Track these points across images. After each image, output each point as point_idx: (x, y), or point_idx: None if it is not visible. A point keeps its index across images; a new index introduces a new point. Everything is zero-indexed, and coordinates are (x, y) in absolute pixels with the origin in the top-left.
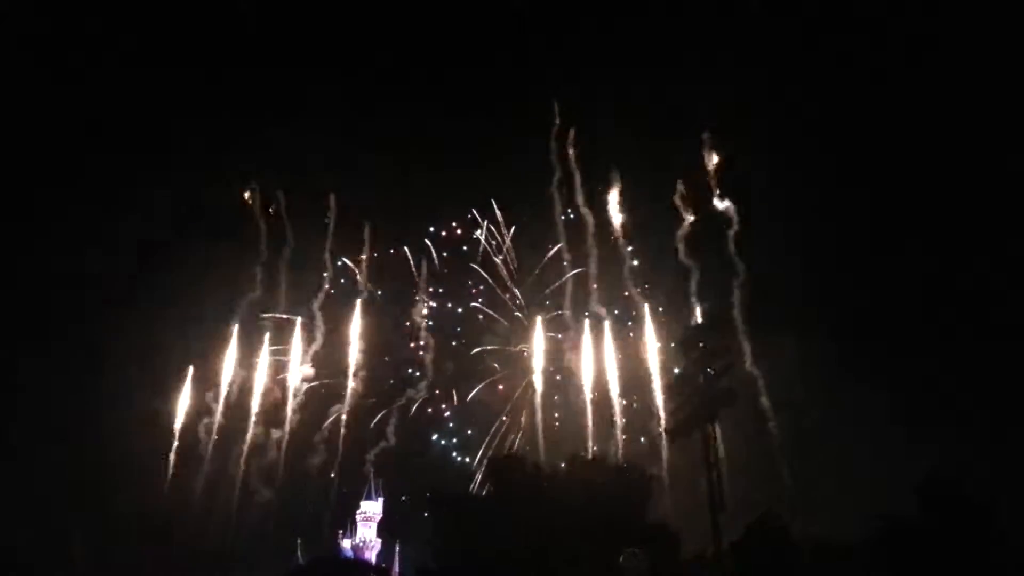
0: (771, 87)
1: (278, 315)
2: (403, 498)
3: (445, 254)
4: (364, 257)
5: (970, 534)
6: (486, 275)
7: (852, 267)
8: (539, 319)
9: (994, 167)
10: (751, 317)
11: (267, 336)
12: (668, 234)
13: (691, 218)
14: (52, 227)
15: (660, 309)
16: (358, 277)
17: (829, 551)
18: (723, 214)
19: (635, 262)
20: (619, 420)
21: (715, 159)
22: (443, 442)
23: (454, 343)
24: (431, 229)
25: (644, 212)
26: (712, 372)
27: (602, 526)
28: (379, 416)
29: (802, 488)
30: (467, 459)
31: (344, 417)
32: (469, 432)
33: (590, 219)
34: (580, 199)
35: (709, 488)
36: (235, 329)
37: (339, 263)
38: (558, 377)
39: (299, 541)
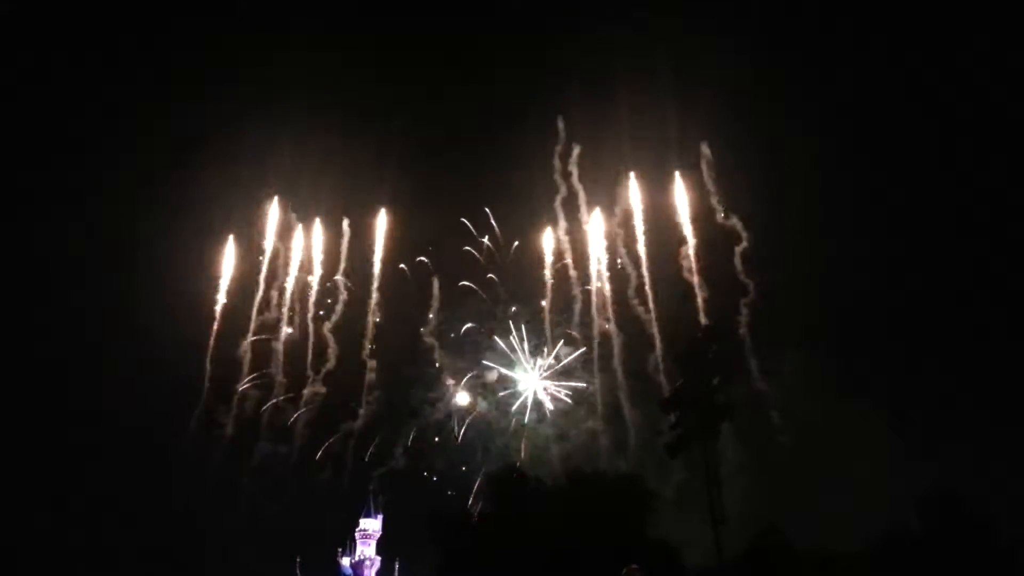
0: (773, 94)
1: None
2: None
3: (436, 276)
4: (377, 277)
5: (970, 546)
6: (484, 296)
7: (852, 280)
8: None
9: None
10: (755, 332)
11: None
12: (673, 249)
13: (694, 235)
14: None
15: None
16: (372, 300)
17: (831, 563)
18: (730, 230)
19: (641, 279)
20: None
21: (713, 171)
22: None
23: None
24: (430, 248)
25: (648, 227)
26: (712, 385)
27: (602, 541)
28: (382, 437)
29: (804, 501)
30: (467, 476)
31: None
32: (472, 447)
33: (595, 238)
34: (584, 217)
35: (710, 502)
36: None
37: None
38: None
39: (298, 559)
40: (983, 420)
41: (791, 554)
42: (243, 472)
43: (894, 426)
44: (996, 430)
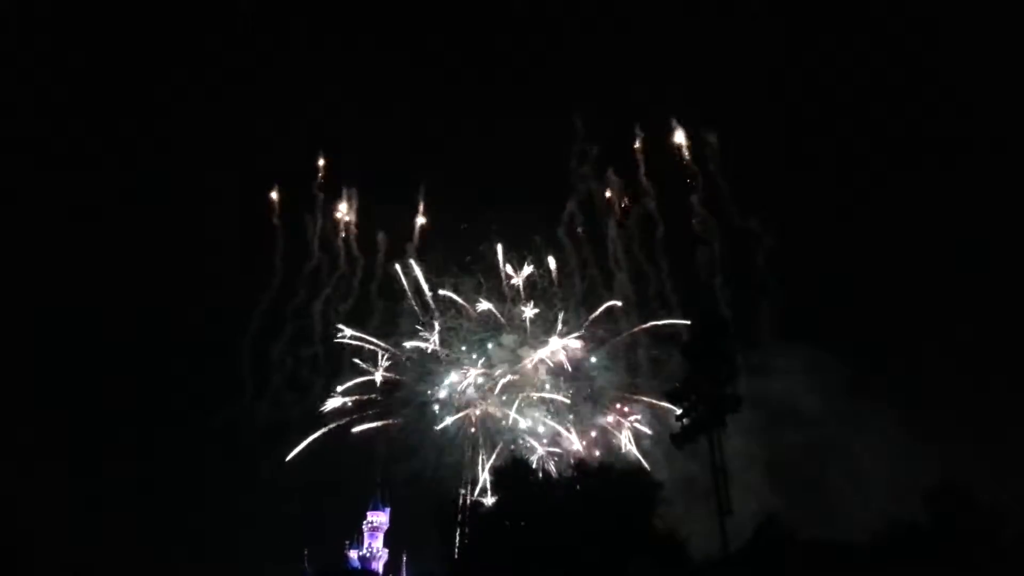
0: (775, 91)
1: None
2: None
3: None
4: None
5: (979, 539)
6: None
7: (861, 277)
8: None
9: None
10: (766, 326)
11: None
12: (690, 246)
13: (710, 234)
14: None
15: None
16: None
17: (836, 555)
18: (748, 231)
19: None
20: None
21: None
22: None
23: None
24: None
25: (666, 228)
26: (720, 377)
27: (610, 534)
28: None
29: (809, 493)
30: (474, 469)
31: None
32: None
33: (615, 236)
34: (602, 216)
35: (716, 493)
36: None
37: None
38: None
39: (305, 552)
40: (990, 414)
41: (795, 545)
42: (263, 467)
43: (901, 420)
44: (1004, 423)
